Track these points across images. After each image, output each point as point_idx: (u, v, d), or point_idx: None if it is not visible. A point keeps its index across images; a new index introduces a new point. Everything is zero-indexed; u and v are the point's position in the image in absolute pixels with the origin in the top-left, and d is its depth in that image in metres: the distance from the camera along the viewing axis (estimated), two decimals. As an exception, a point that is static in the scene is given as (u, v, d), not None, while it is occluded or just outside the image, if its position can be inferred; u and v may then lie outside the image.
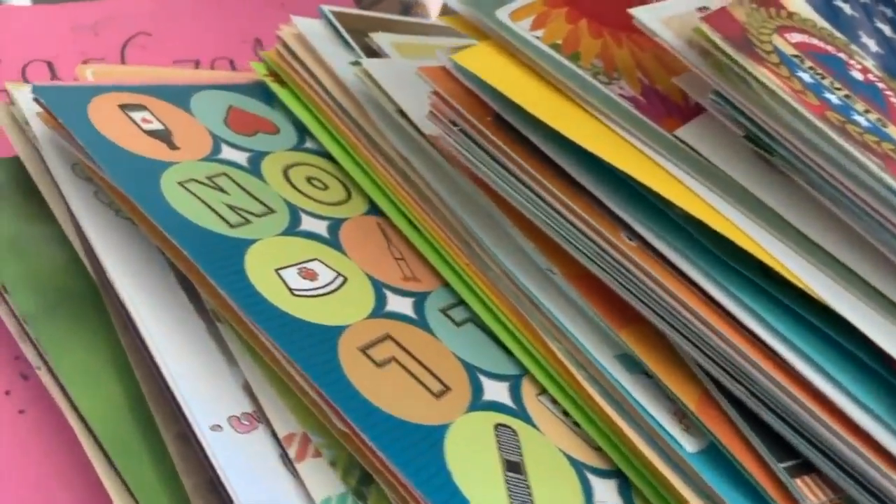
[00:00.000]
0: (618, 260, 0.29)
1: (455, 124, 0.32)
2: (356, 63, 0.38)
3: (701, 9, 0.32)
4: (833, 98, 0.28)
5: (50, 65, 0.44)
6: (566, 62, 0.31)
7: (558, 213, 0.30)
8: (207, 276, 0.28)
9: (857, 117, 0.27)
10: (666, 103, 0.32)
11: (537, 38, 0.32)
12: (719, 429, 0.28)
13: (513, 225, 0.32)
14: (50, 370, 0.28)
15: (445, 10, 0.52)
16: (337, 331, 0.29)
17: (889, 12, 0.38)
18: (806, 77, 0.28)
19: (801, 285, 0.26)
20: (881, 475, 0.24)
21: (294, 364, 0.26)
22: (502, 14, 0.32)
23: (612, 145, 0.29)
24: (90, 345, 0.29)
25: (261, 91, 0.41)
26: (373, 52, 0.42)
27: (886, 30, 0.36)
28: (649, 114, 0.31)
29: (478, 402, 0.29)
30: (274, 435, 0.27)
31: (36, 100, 0.32)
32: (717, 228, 0.27)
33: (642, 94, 0.32)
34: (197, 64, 0.48)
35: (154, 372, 0.28)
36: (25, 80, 0.42)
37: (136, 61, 0.47)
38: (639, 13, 0.29)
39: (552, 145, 0.30)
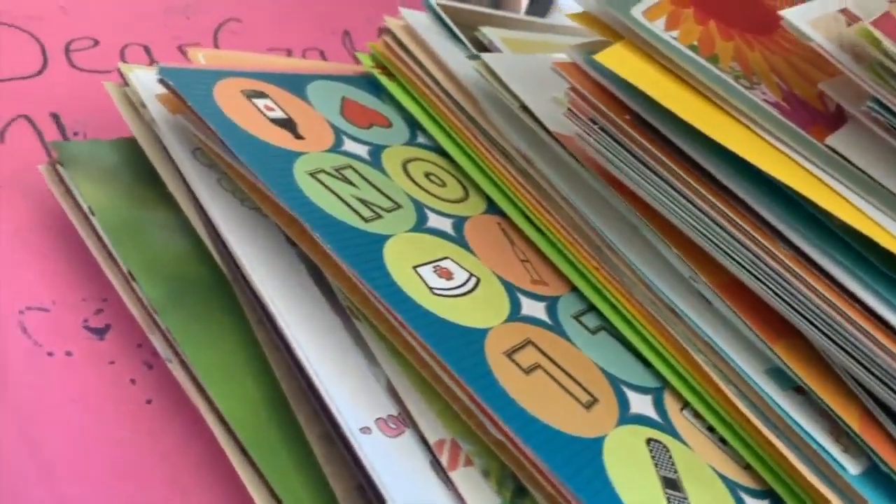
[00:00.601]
0: (775, 269, 0.28)
1: (594, 122, 0.31)
2: (474, 57, 0.37)
3: (842, 10, 0.31)
4: None
5: (147, 49, 0.43)
6: (709, 66, 0.30)
7: (711, 218, 0.29)
8: (352, 272, 0.27)
9: None
10: (808, 109, 0.31)
11: (674, 38, 0.30)
12: (884, 450, 0.26)
13: (653, 229, 0.31)
14: (182, 362, 0.27)
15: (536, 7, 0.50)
16: (481, 333, 0.27)
17: None
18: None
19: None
20: None
21: (446, 367, 0.25)
22: (637, 13, 0.31)
23: (765, 153, 0.28)
24: (221, 337, 0.28)
25: (368, 83, 0.40)
26: (481, 47, 0.41)
27: None
28: (795, 121, 0.29)
29: (626, 416, 0.27)
30: (423, 440, 0.25)
31: (161, 81, 0.31)
32: (882, 242, 0.26)
33: (784, 100, 0.30)
34: (289, 53, 0.47)
35: (295, 369, 0.26)
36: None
37: (229, 47, 0.45)
38: (788, 15, 0.28)
39: (699, 149, 0.29)
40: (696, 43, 0.30)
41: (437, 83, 0.38)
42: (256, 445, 0.25)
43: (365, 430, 0.25)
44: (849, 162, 0.27)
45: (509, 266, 0.32)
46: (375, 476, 0.24)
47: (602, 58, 0.29)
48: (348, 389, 0.26)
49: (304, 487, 0.25)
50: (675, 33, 0.30)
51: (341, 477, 0.25)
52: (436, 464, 0.25)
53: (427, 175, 0.35)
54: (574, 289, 0.32)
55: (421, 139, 0.38)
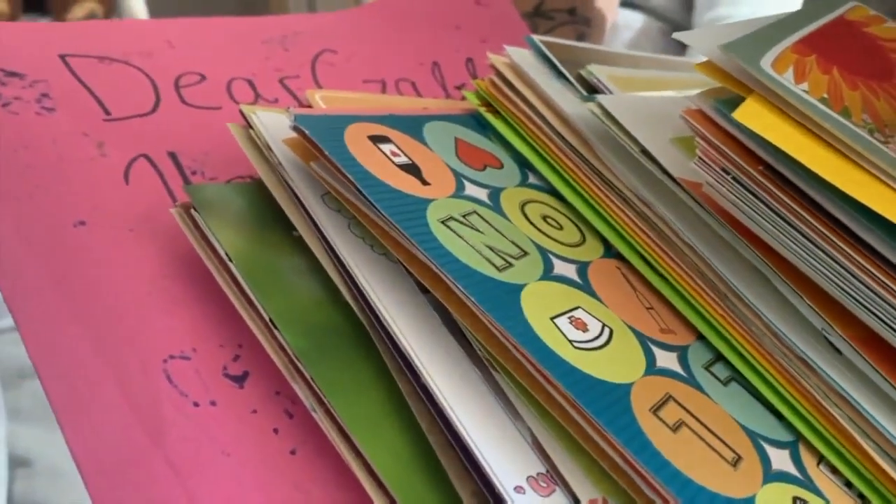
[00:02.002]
0: (917, 326, 0.27)
1: (726, 172, 0.31)
2: (587, 98, 0.37)
3: None
4: None
5: (251, 83, 0.43)
6: (845, 121, 0.29)
7: (848, 270, 0.28)
8: (500, 326, 0.27)
9: None
10: None
11: (805, 92, 0.30)
12: None
13: (784, 279, 0.31)
14: (327, 412, 0.27)
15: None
16: (626, 389, 0.27)
17: None
18: None
19: None
20: None
21: (598, 426, 0.25)
22: (767, 65, 0.31)
23: None
24: (364, 386, 0.28)
25: (475, 121, 0.40)
26: (585, 84, 0.41)
27: None
28: None
29: (769, 473, 0.27)
30: (574, 498, 0.25)
31: (295, 128, 0.31)
32: None
33: (918, 152, 0.30)
34: (383, 85, 0.47)
35: (442, 424, 0.27)
36: (232, 99, 0.42)
37: (327, 79, 0.46)
38: None
39: (836, 202, 0.29)
40: (826, 95, 0.30)
41: (547, 122, 0.38)
42: (407, 499, 0.26)
43: (519, 489, 0.25)
44: None
45: (637, 315, 0.32)
46: (536, 537, 0.24)
47: (740, 116, 0.29)
48: (498, 446, 0.26)
49: (458, 544, 0.25)
50: (805, 86, 0.30)
51: (498, 536, 0.25)
52: (589, 523, 0.25)
53: (544, 218, 0.35)
54: (700, 336, 0.32)
55: (532, 179, 0.38)
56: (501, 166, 0.37)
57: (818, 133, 0.29)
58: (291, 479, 0.27)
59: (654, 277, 0.34)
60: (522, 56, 0.41)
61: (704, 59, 0.31)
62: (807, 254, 0.29)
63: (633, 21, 1.26)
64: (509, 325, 0.27)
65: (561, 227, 0.35)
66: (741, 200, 0.30)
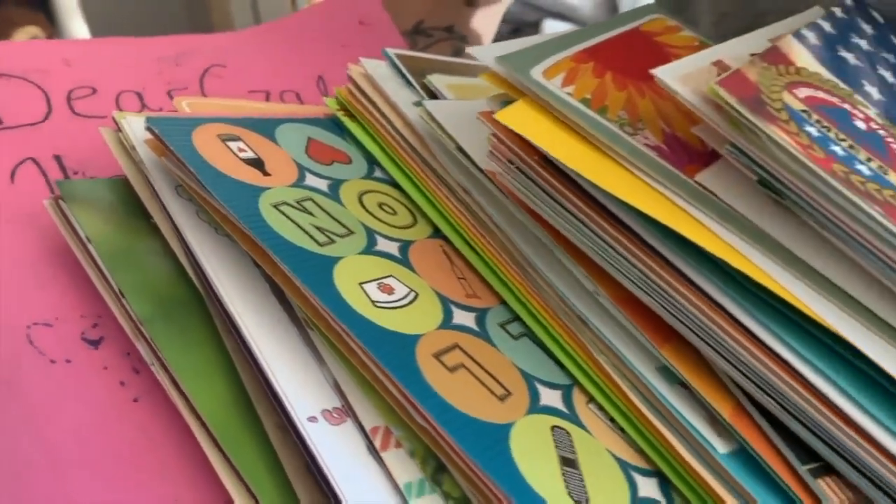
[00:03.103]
0: (660, 286, 0.33)
1: (511, 163, 0.36)
2: (419, 104, 0.43)
3: (716, 62, 0.36)
4: (838, 150, 0.31)
5: (139, 95, 0.48)
6: (595, 116, 0.35)
7: (606, 243, 0.34)
8: (304, 288, 0.32)
9: (860, 167, 0.31)
10: (687, 149, 0.35)
11: (569, 94, 0.36)
12: (750, 435, 0.32)
13: (563, 251, 0.36)
14: (163, 366, 0.33)
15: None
16: (413, 339, 0.33)
17: (891, 58, 0.41)
18: (813, 131, 0.32)
19: (810, 314, 0.30)
20: (889, 473, 0.28)
21: (380, 366, 0.31)
22: (536, 73, 0.36)
23: (640, 192, 0.33)
24: (197, 345, 0.33)
25: (333, 124, 0.45)
26: (431, 91, 0.47)
27: (888, 76, 0.39)
28: (672, 161, 0.34)
29: (536, 406, 0.33)
30: (361, 427, 0.31)
31: (149, 129, 0.37)
32: (734, 263, 0.31)
33: (665, 143, 0.35)
34: (268, 95, 0.53)
35: (256, 370, 0.32)
36: (119, 109, 0.47)
37: (213, 90, 0.51)
38: (658, 73, 0.33)
39: (592, 186, 0.34)
40: (588, 96, 0.36)
41: (392, 125, 0.43)
42: (224, 435, 0.31)
43: (312, 419, 0.30)
44: (714, 195, 0.33)
45: (447, 282, 0.37)
46: (319, 457, 0.29)
47: (500, 116, 0.34)
48: (299, 385, 0.31)
49: (265, 468, 0.30)
50: (570, 89, 0.36)
51: (292, 459, 0.30)
52: (371, 447, 0.30)
53: (380, 205, 0.40)
54: (503, 302, 0.38)
55: (378, 174, 0.43)
56: (350, 162, 0.43)
57: (573, 128, 0.34)
58: (135, 423, 0.32)
59: (469, 252, 0.39)
60: (377, 67, 0.47)
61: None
62: (575, 230, 0.35)
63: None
64: (315, 288, 0.32)
65: (395, 213, 0.40)
66: (523, 187, 0.36)
